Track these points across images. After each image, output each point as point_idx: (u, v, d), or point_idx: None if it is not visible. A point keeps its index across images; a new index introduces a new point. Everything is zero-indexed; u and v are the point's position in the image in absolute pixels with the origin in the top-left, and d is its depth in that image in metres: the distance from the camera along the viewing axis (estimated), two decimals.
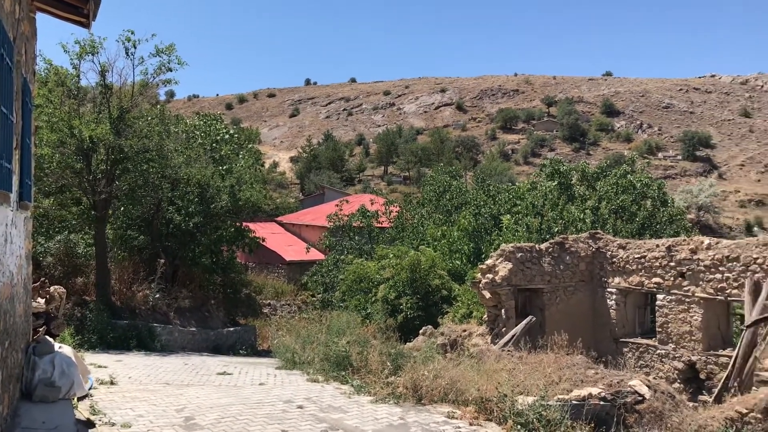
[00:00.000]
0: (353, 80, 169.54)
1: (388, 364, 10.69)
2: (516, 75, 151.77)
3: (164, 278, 20.28)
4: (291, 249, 41.30)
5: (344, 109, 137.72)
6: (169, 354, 16.41)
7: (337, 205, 33.02)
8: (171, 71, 18.59)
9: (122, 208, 20.67)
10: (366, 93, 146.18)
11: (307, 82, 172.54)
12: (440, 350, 14.01)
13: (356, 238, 30.75)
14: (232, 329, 22.51)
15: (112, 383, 10.20)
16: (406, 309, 19.32)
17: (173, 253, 21.67)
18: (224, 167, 23.19)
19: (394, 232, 29.25)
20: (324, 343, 12.52)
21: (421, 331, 16.79)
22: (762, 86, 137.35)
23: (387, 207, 31.70)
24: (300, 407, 9.00)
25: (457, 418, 8.50)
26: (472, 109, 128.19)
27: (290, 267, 39.01)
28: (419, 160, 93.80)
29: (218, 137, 24.77)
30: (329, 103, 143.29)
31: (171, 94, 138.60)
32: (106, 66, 17.67)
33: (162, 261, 20.12)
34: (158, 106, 22.03)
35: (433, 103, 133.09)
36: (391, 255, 21.54)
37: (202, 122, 25.71)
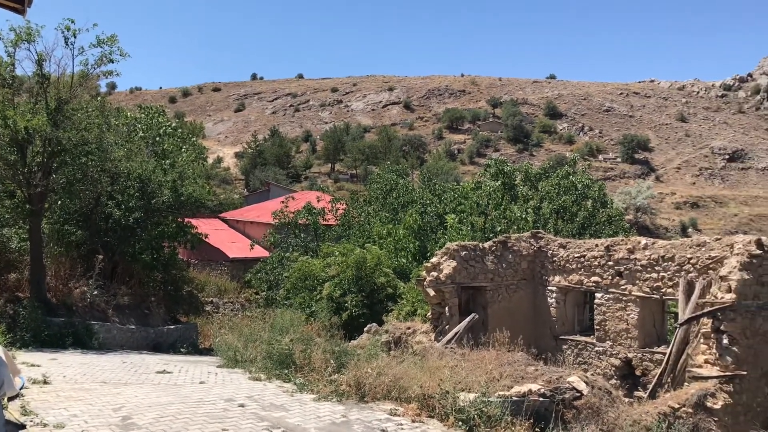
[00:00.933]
0: (300, 76, 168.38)
1: (332, 362, 10.66)
2: (463, 76, 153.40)
3: (103, 275, 19.72)
4: (235, 246, 40.72)
5: (291, 105, 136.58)
6: (107, 352, 15.98)
7: (283, 202, 32.73)
8: (112, 62, 18.05)
9: (59, 202, 19.96)
10: (313, 89, 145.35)
11: (254, 76, 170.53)
12: (384, 348, 14.05)
13: (302, 235, 30.52)
14: (173, 327, 22.07)
15: (45, 382, 9.86)
16: (351, 307, 19.29)
17: (112, 248, 21.10)
18: (166, 162, 22.68)
19: (341, 230, 29.17)
20: (267, 341, 12.39)
21: (365, 329, 16.79)
22: (698, 92, 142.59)
23: (333, 204, 31.58)
24: (241, 406, 8.88)
25: (399, 416, 8.54)
26: (419, 109, 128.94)
27: (234, 264, 38.46)
28: (366, 157, 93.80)
29: (161, 131, 24.21)
30: (276, 99, 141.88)
31: (112, 86, 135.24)
32: (43, 55, 17.01)
33: (100, 257, 19.55)
34: (99, 98, 21.36)
35: (380, 102, 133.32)
36: (337, 253, 21.48)
37: (144, 115, 25.08)
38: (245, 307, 30.27)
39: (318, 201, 31.91)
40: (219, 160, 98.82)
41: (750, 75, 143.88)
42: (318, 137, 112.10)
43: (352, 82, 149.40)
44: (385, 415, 8.56)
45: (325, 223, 30.96)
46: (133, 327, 19.61)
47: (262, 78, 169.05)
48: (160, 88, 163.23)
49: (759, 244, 12.93)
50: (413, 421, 8.31)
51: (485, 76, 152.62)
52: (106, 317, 18.82)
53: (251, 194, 71.22)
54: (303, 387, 10.11)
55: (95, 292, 18.82)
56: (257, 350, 12.59)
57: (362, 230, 27.32)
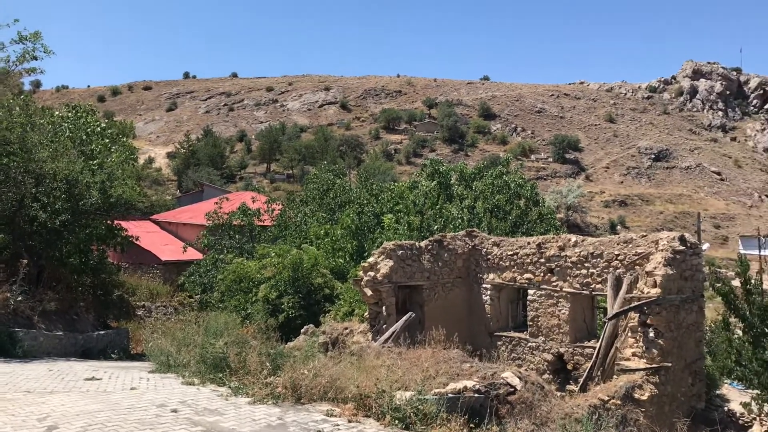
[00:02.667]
0: (235, 75, 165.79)
1: (268, 364, 10.53)
2: (399, 76, 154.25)
3: (27, 280, 18.86)
4: (167, 248, 39.74)
5: (225, 104, 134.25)
6: (32, 360, 15.30)
7: (217, 203, 32.16)
8: (36, 59, 17.40)
9: None
10: (248, 88, 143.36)
11: (186, 75, 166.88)
12: (322, 349, 13.98)
13: (236, 236, 30.09)
14: (102, 333, 21.34)
15: None
16: (287, 308, 19.14)
17: (38, 252, 20.25)
18: (95, 162, 21.92)
19: (277, 231, 28.89)
20: (201, 345, 12.12)
21: (302, 331, 16.69)
22: (625, 94, 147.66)
23: (269, 205, 31.25)
24: (174, 411, 8.67)
25: (336, 416, 8.51)
26: (356, 109, 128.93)
27: (166, 267, 37.53)
28: (303, 157, 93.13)
29: (89, 130, 23.39)
30: (209, 98, 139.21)
31: (37, 84, 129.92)
32: None
33: (25, 261, 18.71)
34: (22, 97, 20.48)
35: (317, 101, 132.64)
36: (273, 254, 21.27)
37: (71, 114, 24.18)
38: (178, 310, 29.56)
39: (253, 201, 31.51)
40: (150, 160, 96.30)
41: (674, 77, 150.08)
42: (253, 137, 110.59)
43: (288, 82, 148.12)
44: (321, 416, 8.51)
45: (260, 224, 30.60)
46: (60, 333, 18.86)
47: (194, 77, 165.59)
48: (89, 86, 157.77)
49: (682, 240, 13.48)
50: (350, 422, 8.29)
51: (421, 77, 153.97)
52: (31, 324, 18.02)
53: (184, 195, 69.72)
54: (238, 390, 9.95)
55: (19, 298, 17.99)
56: (191, 354, 12.31)
57: (299, 231, 27.15)
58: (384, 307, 15.33)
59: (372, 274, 15.39)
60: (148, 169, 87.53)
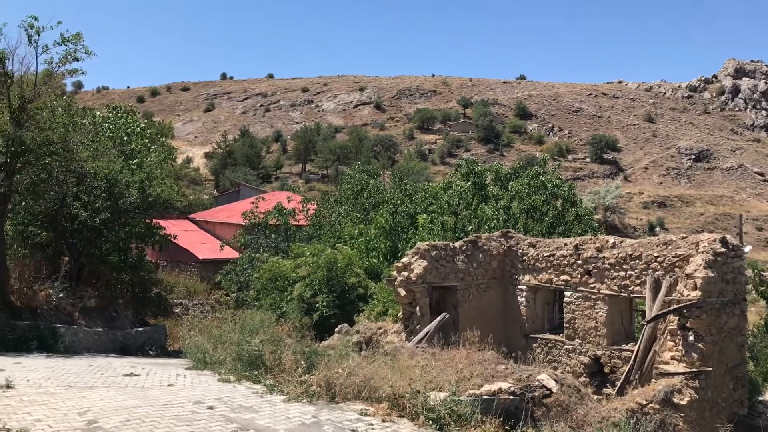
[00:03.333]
0: (271, 76, 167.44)
1: (302, 362, 10.58)
2: (433, 76, 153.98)
3: (69, 277, 19.35)
4: (204, 247, 40.30)
5: (261, 105, 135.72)
6: (73, 355, 15.68)
7: (253, 203, 32.51)
8: (78, 60, 17.73)
9: (23, 203, 19.54)
10: (284, 89, 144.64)
11: (223, 76, 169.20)
12: (355, 348, 14.01)
13: (272, 236, 30.34)
14: (141, 329, 21.75)
15: (8, 387, 9.63)
16: (321, 307, 19.22)
17: (79, 250, 20.73)
18: (134, 162, 22.34)
19: (311, 230, 29.05)
20: (236, 343, 12.26)
21: (336, 330, 16.74)
22: (665, 93, 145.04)
23: (304, 205, 31.46)
24: (210, 408, 8.77)
25: (369, 415, 8.51)
26: (390, 109, 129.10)
27: (203, 265, 38.06)
28: (337, 158, 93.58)
29: (128, 131, 23.85)
30: (246, 99, 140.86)
31: (78, 85, 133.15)
32: (5, 53, 16.65)
33: (66, 258, 19.20)
34: (64, 97, 20.96)
35: (351, 102, 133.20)
36: (308, 253, 21.37)
37: (111, 115, 24.67)
38: (215, 308, 29.98)
39: (288, 201, 31.75)
40: (188, 160, 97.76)
41: (715, 76, 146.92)
42: (288, 137, 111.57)
43: (323, 82, 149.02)
44: (355, 416, 8.53)
45: (295, 223, 30.82)
46: (100, 330, 19.28)
47: (232, 78, 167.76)
48: (128, 87, 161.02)
49: (723, 242, 13.18)
50: (383, 421, 8.29)
51: (456, 76, 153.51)
52: (72, 320, 18.46)
53: (221, 195, 70.58)
54: (273, 388, 10.03)
55: (61, 295, 18.45)
56: (227, 352, 12.45)
57: (333, 230, 27.25)
58: (418, 308, 15.29)
59: (406, 274, 15.36)
60: (186, 168, 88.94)
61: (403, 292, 15.31)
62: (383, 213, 24.62)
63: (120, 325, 20.97)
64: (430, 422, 7.99)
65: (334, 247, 22.34)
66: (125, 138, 23.44)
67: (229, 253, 35.27)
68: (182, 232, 37.67)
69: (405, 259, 15.83)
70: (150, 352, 19.17)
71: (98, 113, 24.99)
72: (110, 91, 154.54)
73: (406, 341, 14.46)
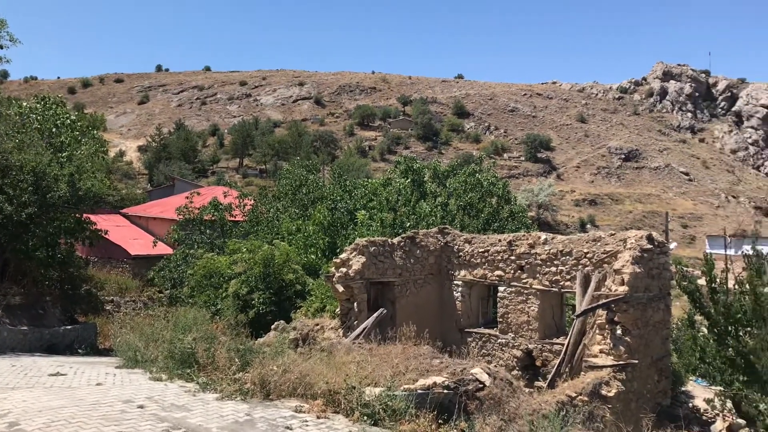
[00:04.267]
0: (208, 68, 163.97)
1: (236, 360, 10.45)
2: (373, 73, 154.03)
3: None
4: (137, 243, 39.24)
5: (197, 98, 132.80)
6: None
7: (188, 198, 31.78)
8: (2, 48, 17.00)
9: None
10: (221, 82, 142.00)
11: (159, 68, 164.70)
12: (292, 345, 13.91)
13: (207, 231, 29.78)
14: (69, 327, 21.00)
15: None
16: (258, 304, 19.01)
17: (3, 246, 19.87)
18: (63, 154, 21.54)
19: (248, 226, 28.66)
20: (169, 341, 12.00)
21: (273, 327, 16.58)
22: (597, 94, 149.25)
23: (241, 200, 30.99)
24: (141, 407, 8.57)
25: (304, 412, 8.48)
26: (330, 105, 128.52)
27: (136, 262, 37.06)
28: (276, 153, 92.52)
29: (58, 122, 22.98)
30: (182, 91, 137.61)
31: (4, 74, 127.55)
32: None
33: None
34: None
35: (291, 96, 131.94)
36: (244, 249, 21.10)
37: (39, 105, 23.72)
38: (148, 305, 29.19)
39: (225, 196, 31.26)
40: (121, 153, 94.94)
41: (644, 79, 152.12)
42: (226, 131, 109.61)
43: (262, 76, 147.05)
44: (290, 413, 8.48)
45: (232, 219, 30.33)
46: (25, 328, 18.54)
47: (167, 70, 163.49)
48: (58, 77, 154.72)
49: (650, 238, 13.68)
50: (318, 418, 8.27)
51: (395, 74, 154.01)
52: None
53: (155, 189, 68.80)
54: (206, 386, 9.87)
55: None
56: (159, 350, 12.17)
57: (271, 226, 26.98)
58: (355, 304, 15.32)
59: (344, 270, 15.36)
60: (118, 162, 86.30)
61: (341, 288, 15.31)
62: (322, 209, 24.53)
63: (47, 323, 20.20)
64: (365, 418, 8.02)
65: (272, 243, 22.11)
66: (54, 130, 22.58)
67: (163, 249, 34.46)
68: (114, 228, 36.62)
69: (343, 255, 15.82)
70: (79, 351, 18.55)
71: (25, 104, 24.00)
72: (39, 81, 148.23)
73: (344, 337, 14.46)
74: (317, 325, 16.09)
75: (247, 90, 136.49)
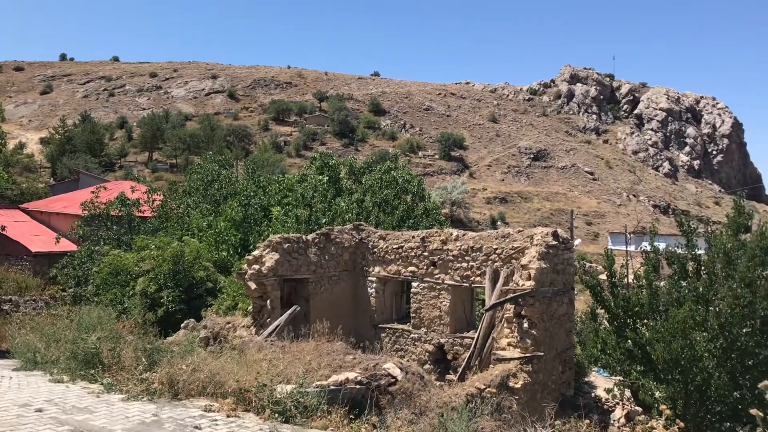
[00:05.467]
0: (116, 59, 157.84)
1: (144, 359, 10.14)
2: (289, 68, 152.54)
3: None
4: (38, 239, 37.34)
5: (105, 89, 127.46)
6: None
7: (93, 192, 30.51)
8: None
9: None
10: (130, 73, 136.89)
11: (63, 57, 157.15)
12: (202, 344, 13.64)
13: (114, 228, 28.69)
14: None
15: None
16: (167, 303, 18.50)
17: None
18: None
19: (157, 222, 27.81)
20: (72, 341, 11.50)
21: (182, 325, 16.20)
22: (508, 95, 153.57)
23: (149, 195, 30.01)
24: (39, 410, 8.18)
25: (214, 411, 8.33)
26: (244, 99, 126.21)
27: (37, 259, 35.25)
28: (188, 147, 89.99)
29: None
30: (88, 82, 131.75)
31: None
32: None
33: None
34: None
35: (203, 89, 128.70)
36: (153, 246, 20.48)
37: None
38: (50, 305, 27.86)
39: (133, 191, 30.17)
40: (21, 146, 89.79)
41: (553, 81, 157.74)
42: (135, 124, 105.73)
43: (173, 68, 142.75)
44: (199, 412, 8.31)
45: (140, 215, 29.34)
46: None
47: (72, 59, 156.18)
48: None
49: (555, 235, 14.21)
50: (229, 416, 8.14)
51: (312, 69, 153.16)
52: None
53: (58, 184, 65.60)
54: (111, 387, 9.53)
55: None
56: (60, 351, 11.64)
57: (181, 222, 26.31)
58: (268, 301, 15.16)
59: (257, 267, 15.17)
60: (18, 155, 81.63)
61: (253, 286, 15.11)
62: (234, 205, 24.12)
63: None
64: (276, 415, 7.96)
65: (182, 239, 21.56)
66: None
67: (66, 245, 32.96)
68: (12, 223, 34.76)
69: (256, 252, 15.63)
70: None
71: None
72: None
73: (256, 335, 14.28)
74: (229, 323, 15.82)
75: (157, 82, 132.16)
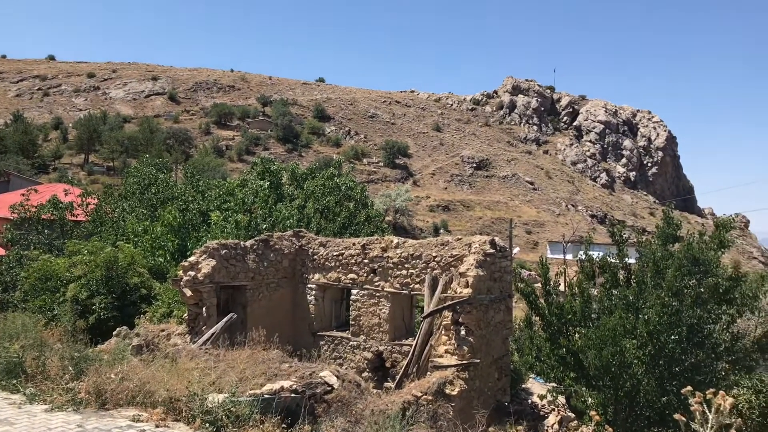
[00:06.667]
0: (51, 57, 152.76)
1: (70, 368, 9.76)
2: (232, 71, 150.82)
3: None
4: None
5: (39, 89, 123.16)
6: None
7: (24, 195, 29.40)
8: None
9: None
10: (66, 73, 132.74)
11: None
12: (134, 352, 13.25)
13: (46, 232, 27.68)
14: None
15: None
16: (99, 309, 17.91)
17: None
18: None
19: (91, 227, 26.96)
20: None
21: (114, 333, 15.72)
22: (452, 105, 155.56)
23: (83, 199, 29.08)
24: None
25: (143, 421, 8.09)
26: (185, 101, 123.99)
27: None
28: (125, 149, 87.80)
29: None
30: (21, 80, 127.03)
31: None
32: None
33: None
34: None
35: (143, 91, 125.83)
36: (85, 251, 19.83)
37: None
38: None
39: (66, 194, 29.20)
40: None
41: (495, 92, 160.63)
42: (70, 125, 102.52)
43: (112, 69, 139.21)
44: (126, 422, 8.05)
45: (73, 219, 28.40)
46: None
47: (4, 56, 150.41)
48: None
49: (493, 244, 14.40)
50: (158, 426, 7.92)
51: (255, 73, 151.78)
52: None
53: None
54: (34, 398, 9.13)
55: None
56: None
57: (116, 227, 25.58)
58: (204, 308, 14.85)
59: (192, 273, 14.85)
60: None
61: (189, 293, 14.79)
62: (171, 209, 23.61)
63: None
64: (207, 425, 7.78)
65: (116, 245, 20.95)
66: None
67: None
68: None
69: (192, 258, 15.30)
70: None
71: None
72: None
73: (191, 343, 13.96)
74: (163, 330, 15.43)
75: (95, 82, 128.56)
